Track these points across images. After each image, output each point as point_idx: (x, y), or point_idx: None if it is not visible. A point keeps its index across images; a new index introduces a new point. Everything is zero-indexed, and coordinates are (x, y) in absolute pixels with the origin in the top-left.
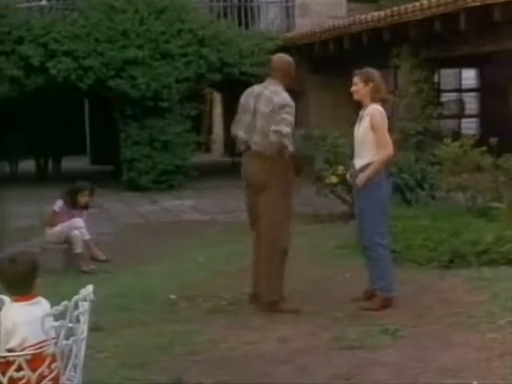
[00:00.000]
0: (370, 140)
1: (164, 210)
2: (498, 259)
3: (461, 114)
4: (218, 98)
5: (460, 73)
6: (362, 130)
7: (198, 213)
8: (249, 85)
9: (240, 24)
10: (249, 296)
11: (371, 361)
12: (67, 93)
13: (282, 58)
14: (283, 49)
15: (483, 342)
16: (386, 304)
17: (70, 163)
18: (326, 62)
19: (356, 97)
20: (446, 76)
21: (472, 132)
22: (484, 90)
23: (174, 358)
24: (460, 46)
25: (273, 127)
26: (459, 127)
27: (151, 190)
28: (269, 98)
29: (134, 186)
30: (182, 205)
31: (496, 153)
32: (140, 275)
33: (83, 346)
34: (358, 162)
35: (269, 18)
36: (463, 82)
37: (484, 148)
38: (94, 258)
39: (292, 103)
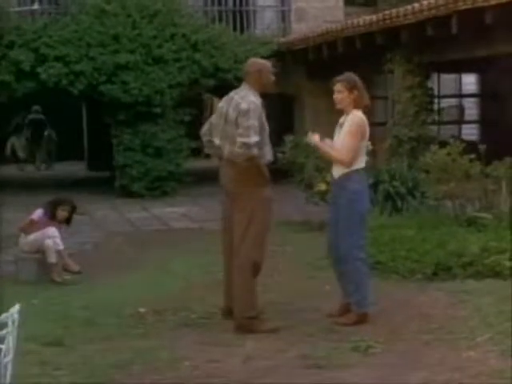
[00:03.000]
0: (339, 147)
1: (154, 217)
2: (483, 271)
3: (461, 120)
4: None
5: (460, 78)
6: (342, 137)
7: (188, 220)
8: None
9: (235, 29)
10: (221, 310)
11: (336, 381)
12: (65, 97)
13: (255, 61)
14: (278, 54)
15: (458, 361)
16: (361, 320)
17: (68, 169)
18: (321, 67)
19: (339, 106)
20: (446, 81)
21: (473, 138)
22: (484, 95)
23: (133, 376)
24: (453, 51)
25: (240, 139)
26: (459, 133)
27: (144, 197)
28: (237, 103)
29: (127, 193)
30: (174, 212)
31: (485, 160)
32: (113, 287)
33: (9, 369)
34: (337, 171)
35: (265, 23)
36: (463, 88)
37: (472, 155)
38: (66, 269)
39: (256, 107)
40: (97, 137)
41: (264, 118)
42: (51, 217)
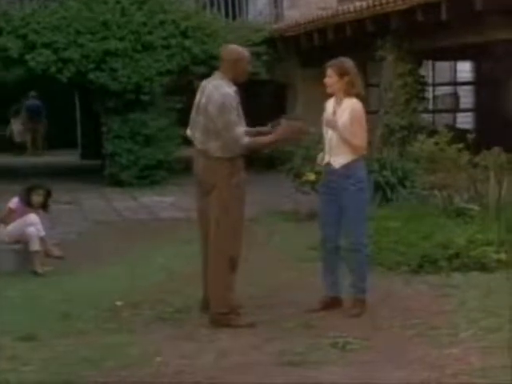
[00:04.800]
0: (349, 136)
1: (142, 206)
2: (469, 264)
3: (456, 108)
4: None
5: (455, 66)
6: (340, 125)
7: (176, 210)
8: None
9: (227, 15)
10: (200, 302)
11: (311, 380)
12: (58, 85)
13: (232, 49)
14: (270, 41)
15: (439, 359)
16: (365, 305)
17: (61, 157)
18: (313, 54)
19: (329, 90)
20: (441, 69)
21: (468, 126)
22: (479, 83)
23: (103, 373)
24: (444, 38)
25: (229, 135)
26: (454, 121)
27: (133, 186)
28: (209, 93)
29: (116, 182)
30: (162, 201)
31: (476, 149)
32: (94, 278)
33: None
34: (337, 161)
35: (257, 9)
36: (458, 76)
37: (462, 144)
38: (48, 254)
39: (228, 98)
40: (89, 125)
41: (239, 107)
42: (27, 203)
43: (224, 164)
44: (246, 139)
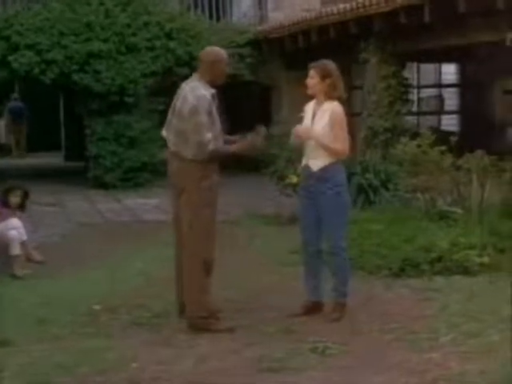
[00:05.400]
0: (329, 139)
1: (125, 209)
2: (452, 267)
3: (440, 111)
4: None
5: (440, 68)
6: (319, 128)
7: (159, 212)
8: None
9: (211, 17)
10: (178, 306)
11: None
12: (42, 86)
13: (210, 51)
14: (255, 42)
15: (418, 364)
16: (345, 309)
17: (44, 159)
18: (298, 56)
19: (310, 91)
20: (426, 71)
21: (453, 128)
22: (464, 85)
23: (77, 378)
24: (427, 40)
25: (196, 139)
26: (439, 124)
27: (117, 188)
28: (185, 95)
29: (100, 184)
30: (146, 204)
31: (459, 151)
32: (73, 282)
33: None
34: (315, 164)
35: (241, 11)
36: (443, 78)
37: (445, 147)
38: (29, 258)
39: (205, 101)
40: (73, 127)
41: (215, 110)
42: (5, 204)
43: (197, 167)
44: (212, 145)
